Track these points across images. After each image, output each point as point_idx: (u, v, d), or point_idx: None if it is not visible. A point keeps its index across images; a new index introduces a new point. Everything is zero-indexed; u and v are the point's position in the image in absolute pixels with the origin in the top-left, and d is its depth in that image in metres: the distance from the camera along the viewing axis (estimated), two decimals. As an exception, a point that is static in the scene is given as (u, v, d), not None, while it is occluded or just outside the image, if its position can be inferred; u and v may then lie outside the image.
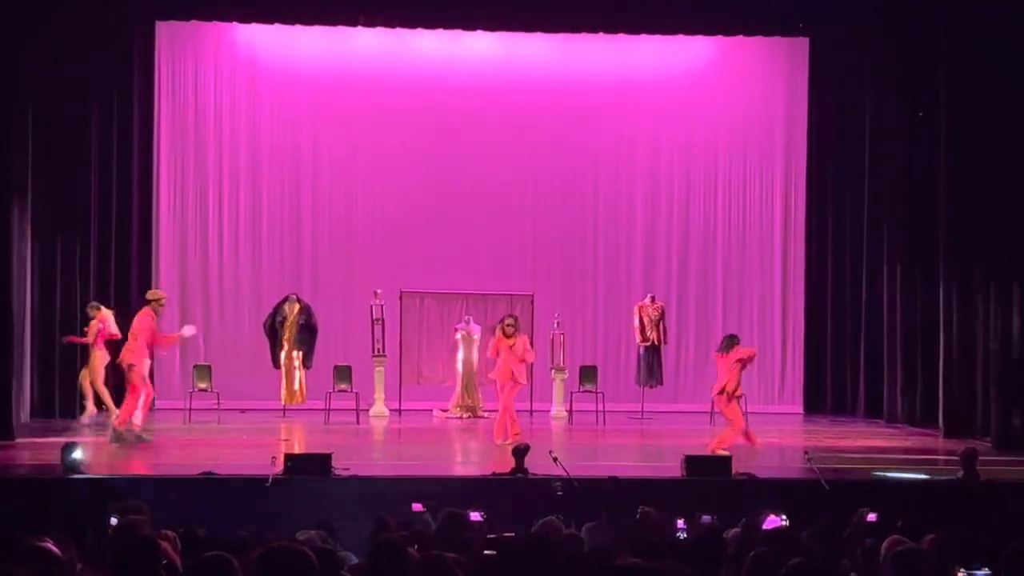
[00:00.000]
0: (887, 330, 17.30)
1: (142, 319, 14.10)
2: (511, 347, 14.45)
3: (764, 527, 8.35)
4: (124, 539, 6.21)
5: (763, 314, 19.08)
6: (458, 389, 17.54)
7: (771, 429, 16.65)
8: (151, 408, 14.77)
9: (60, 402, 16.07)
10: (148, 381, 14.28)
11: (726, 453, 12.79)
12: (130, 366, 13.90)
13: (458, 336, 17.61)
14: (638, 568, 5.86)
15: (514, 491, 11.12)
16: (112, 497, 9.03)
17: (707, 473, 11.67)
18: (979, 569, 6.38)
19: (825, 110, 18.78)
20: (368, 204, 18.74)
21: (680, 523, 8.71)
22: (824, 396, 18.70)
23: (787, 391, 19.01)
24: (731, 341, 14.26)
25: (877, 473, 12.25)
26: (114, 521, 7.77)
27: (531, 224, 18.95)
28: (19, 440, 13.92)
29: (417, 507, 9.14)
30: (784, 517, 8.62)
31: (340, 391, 16.81)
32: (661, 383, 17.76)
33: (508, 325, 14.59)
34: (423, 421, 17.05)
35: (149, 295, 14.67)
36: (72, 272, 16.30)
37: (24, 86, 14.45)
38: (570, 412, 17.30)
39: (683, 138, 19.08)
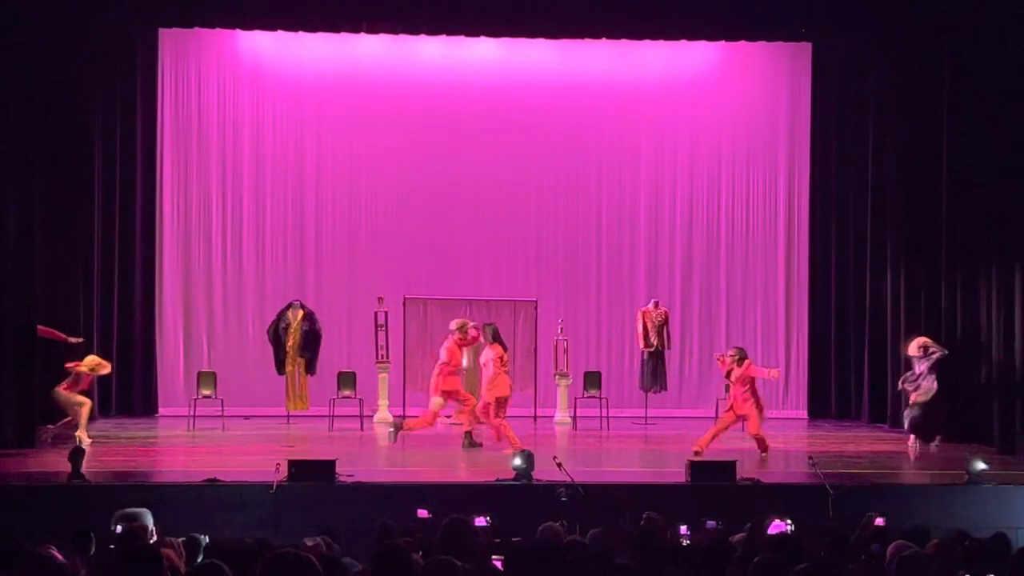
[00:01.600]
0: (891, 335, 17.28)
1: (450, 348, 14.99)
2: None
3: (769, 532, 8.35)
4: (126, 549, 6.21)
5: (767, 319, 19.07)
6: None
7: (775, 434, 16.62)
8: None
9: (63, 411, 16.02)
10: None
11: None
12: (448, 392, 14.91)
13: (462, 342, 17.60)
14: (642, 572, 5.86)
15: (518, 497, 11.12)
16: (116, 505, 9.03)
17: (711, 478, 11.66)
18: (983, 574, 6.37)
19: (828, 114, 18.77)
20: (371, 210, 18.75)
21: (683, 529, 8.70)
22: (828, 401, 18.69)
23: (791, 396, 18.99)
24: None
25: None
26: (119, 530, 7.78)
27: (535, 230, 18.95)
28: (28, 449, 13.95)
29: (422, 513, 9.14)
30: (789, 521, 8.61)
31: (344, 397, 16.81)
32: (665, 388, 17.75)
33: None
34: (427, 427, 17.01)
35: (454, 325, 15.22)
36: (75, 279, 16.30)
37: (27, 93, 14.45)
38: (574, 418, 17.29)
39: (686, 143, 19.08)
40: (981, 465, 11.79)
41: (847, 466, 13.39)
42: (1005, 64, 15.07)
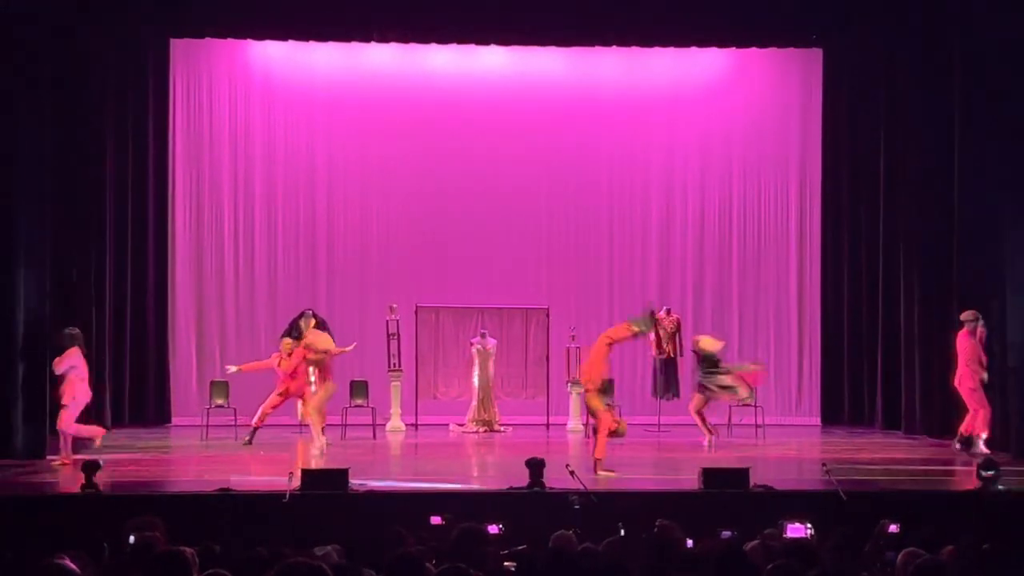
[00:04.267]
0: (904, 341, 17.23)
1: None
2: None
3: (787, 535, 8.31)
4: (152, 556, 6.22)
5: (779, 325, 19.04)
6: (474, 403, 17.53)
7: (789, 441, 16.63)
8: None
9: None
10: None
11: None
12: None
13: (474, 350, 17.61)
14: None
15: (531, 505, 11.11)
16: (129, 515, 9.02)
17: (724, 485, 11.62)
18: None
19: (839, 121, 18.74)
20: (383, 219, 18.77)
21: (688, 543, 8.60)
22: (841, 407, 18.64)
23: (804, 403, 18.95)
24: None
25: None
26: (132, 540, 7.77)
27: (546, 237, 18.95)
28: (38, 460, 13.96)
29: (435, 520, 9.12)
30: (809, 525, 8.55)
31: (356, 406, 16.82)
32: (678, 395, 17.72)
33: None
34: (440, 436, 17.04)
35: (964, 316, 15.04)
36: (87, 289, 16.33)
37: (39, 105, 14.50)
38: (586, 425, 17.22)
39: (697, 150, 19.07)
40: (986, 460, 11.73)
41: (861, 472, 13.34)
42: (1018, 70, 15.02)
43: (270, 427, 17.06)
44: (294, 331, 17.00)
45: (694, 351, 16.26)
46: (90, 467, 11.43)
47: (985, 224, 15.47)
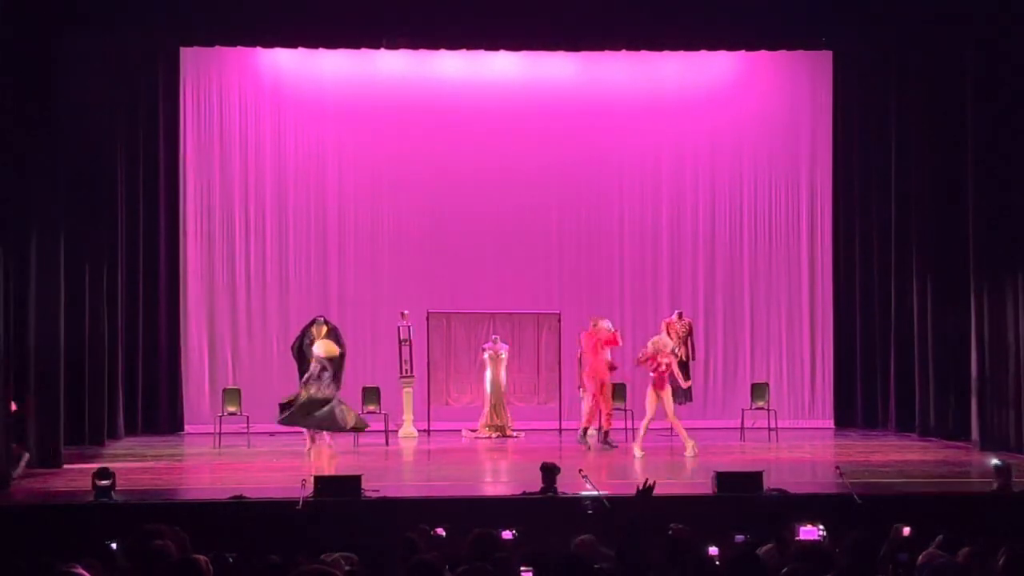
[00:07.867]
0: (918, 343, 17.18)
1: None
2: None
3: (800, 538, 8.28)
4: (166, 564, 6.23)
5: (791, 328, 19.00)
6: (486, 409, 17.52)
7: (802, 444, 16.59)
8: None
9: (89, 429, 16.06)
10: None
11: None
12: None
13: (485, 356, 17.60)
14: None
15: (544, 510, 11.09)
16: (142, 523, 9.01)
17: (738, 489, 11.59)
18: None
19: (850, 123, 18.71)
20: (394, 225, 18.78)
21: (713, 550, 8.56)
22: (855, 410, 18.59)
23: (817, 406, 18.91)
24: None
25: None
26: (114, 546, 7.74)
27: (557, 242, 18.94)
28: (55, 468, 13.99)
29: (439, 531, 9.09)
30: (821, 527, 8.52)
31: (369, 413, 16.81)
32: (690, 399, 17.69)
33: None
34: (452, 441, 17.03)
35: None
36: (99, 298, 16.35)
37: (48, 115, 14.52)
38: (599, 430, 17.23)
39: (708, 154, 19.05)
40: (996, 461, 11.73)
41: (875, 475, 13.30)
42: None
43: (283, 435, 17.07)
44: (306, 338, 17.00)
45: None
46: (103, 475, 11.44)
47: (999, 226, 15.42)
